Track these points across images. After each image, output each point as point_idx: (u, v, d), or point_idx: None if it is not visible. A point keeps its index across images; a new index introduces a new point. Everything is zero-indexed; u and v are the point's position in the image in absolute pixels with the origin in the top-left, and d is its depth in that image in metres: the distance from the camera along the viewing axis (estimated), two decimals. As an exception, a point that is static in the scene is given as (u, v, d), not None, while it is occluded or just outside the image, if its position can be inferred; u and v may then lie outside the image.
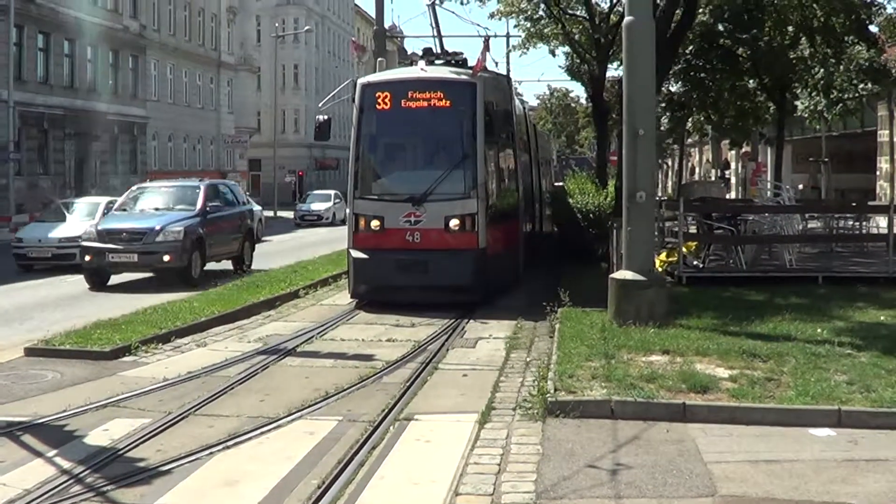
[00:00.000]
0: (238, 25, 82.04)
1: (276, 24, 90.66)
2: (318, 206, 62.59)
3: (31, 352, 15.62)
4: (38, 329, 18.17)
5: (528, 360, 14.61)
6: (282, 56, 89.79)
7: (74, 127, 55.26)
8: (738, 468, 9.15)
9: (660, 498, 8.40)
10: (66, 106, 54.17)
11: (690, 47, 35.96)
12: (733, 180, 66.40)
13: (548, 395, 11.33)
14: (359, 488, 8.88)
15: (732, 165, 68.90)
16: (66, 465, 9.71)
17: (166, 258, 24.78)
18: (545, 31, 35.29)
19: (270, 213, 64.91)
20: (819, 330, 14.98)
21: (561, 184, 41.12)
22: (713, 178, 70.78)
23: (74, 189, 54.93)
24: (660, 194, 73.12)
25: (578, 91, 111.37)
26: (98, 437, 10.80)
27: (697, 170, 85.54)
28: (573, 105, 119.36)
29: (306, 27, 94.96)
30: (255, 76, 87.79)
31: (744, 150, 58.33)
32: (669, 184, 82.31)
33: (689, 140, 70.53)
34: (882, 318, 16.50)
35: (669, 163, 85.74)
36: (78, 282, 25.69)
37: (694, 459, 9.40)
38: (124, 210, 27.33)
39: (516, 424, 10.83)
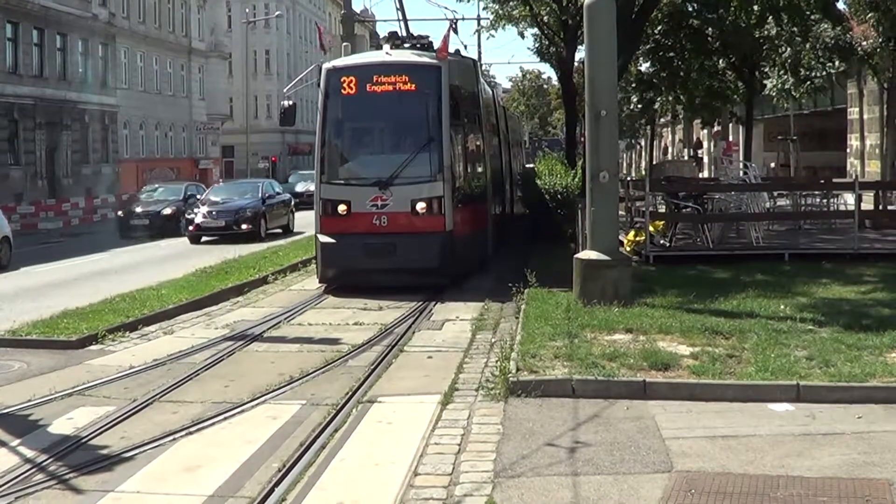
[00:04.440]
0: (208, 11, 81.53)
1: (247, 10, 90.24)
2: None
3: (-3, 342, 15.62)
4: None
5: (493, 340, 14.70)
6: (253, 42, 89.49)
7: (45, 116, 54.90)
8: (696, 444, 9.25)
9: (616, 475, 8.49)
10: (35, 95, 53.82)
11: (659, 27, 36.04)
12: (706, 160, 66.48)
13: (509, 375, 11.41)
14: (319, 470, 8.97)
15: (705, 145, 68.98)
16: (29, 453, 9.76)
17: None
18: (513, 12, 35.20)
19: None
20: (782, 306, 15.12)
21: (532, 166, 41.16)
22: (685, 158, 70.85)
23: (46, 179, 54.71)
24: (633, 174, 73.37)
25: (551, 73, 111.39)
26: (62, 425, 10.86)
27: (670, 149, 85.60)
28: (545, 87, 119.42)
29: (277, 13, 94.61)
30: (226, 62, 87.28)
31: (715, 129, 58.46)
32: (643, 164, 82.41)
33: (662, 120, 70.61)
34: (845, 294, 16.63)
35: (642, 143, 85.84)
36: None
37: (652, 436, 9.50)
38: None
39: (478, 405, 10.91)
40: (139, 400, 11.75)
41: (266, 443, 9.95)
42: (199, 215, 36.14)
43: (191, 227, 36.07)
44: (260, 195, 38.35)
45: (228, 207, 36.94)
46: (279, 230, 38.65)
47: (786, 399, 10.59)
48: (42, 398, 12.01)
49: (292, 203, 41.90)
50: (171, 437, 10.17)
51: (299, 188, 56.04)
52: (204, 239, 35.72)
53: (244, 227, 35.81)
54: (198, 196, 40.68)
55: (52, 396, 12.11)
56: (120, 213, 41.93)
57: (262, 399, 11.71)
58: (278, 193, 41.49)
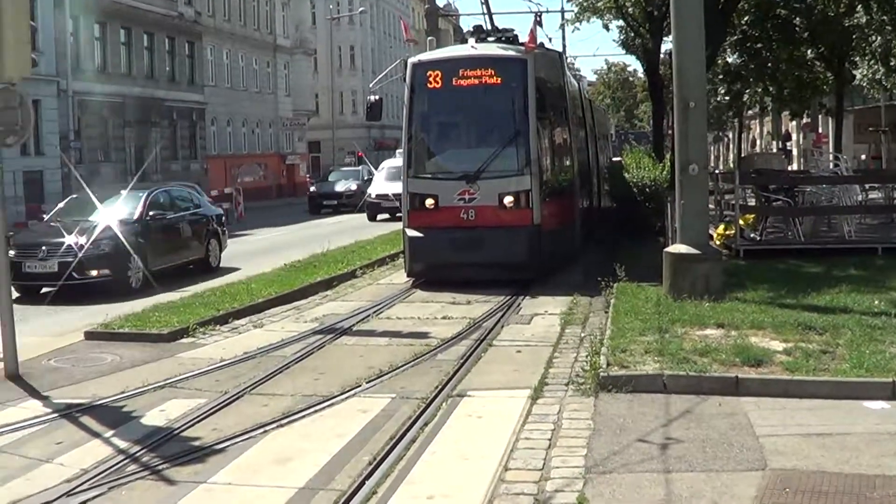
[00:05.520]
0: (293, 8, 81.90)
1: (331, 6, 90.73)
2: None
3: (90, 335, 15.82)
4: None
5: (582, 335, 14.60)
6: (337, 38, 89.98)
7: (134, 114, 55.51)
8: (790, 441, 9.09)
9: (709, 472, 8.38)
10: (124, 93, 54.44)
11: (746, 18, 35.65)
12: (795, 152, 65.73)
13: (600, 369, 11.33)
14: (409, 464, 8.96)
15: (794, 137, 68.22)
16: (122, 445, 9.88)
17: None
18: (598, 4, 34.99)
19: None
20: (876, 302, 14.80)
21: (619, 159, 40.95)
22: (774, 150, 70.08)
23: (135, 176, 55.32)
24: (720, 167, 72.69)
25: (636, 65, 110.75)
26: (155, 417, 10.98)
27: (759, 142, 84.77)
28: (631, 79, 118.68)
29: (361, 9, 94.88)
30: (311, 59, 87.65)
31: (804, 121, 57.77)
32: (731, 156, 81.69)
33: (750, 112, 69.91)
34: (941, 288, 16.29)
35: (730, 135, 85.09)
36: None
37: (745, 433, 9.36)
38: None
39: (568, 400, 10.85)
40: (230, 392, 11.86)
41: (356, 436, 9.96)
42: None
43: None
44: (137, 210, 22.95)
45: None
46: (190, 266, 24.86)
47: (881, 397, 10.39)
48: (135, 390, 12.16)
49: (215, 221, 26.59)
50: (262, 430, 10.22)
51: (339, 187, 52.13)
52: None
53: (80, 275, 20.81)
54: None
55: (145, 389, 12.24)
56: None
57: (352, 392, 11.75)
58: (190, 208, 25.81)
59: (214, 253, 25.97)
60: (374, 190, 45.16)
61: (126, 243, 21.39)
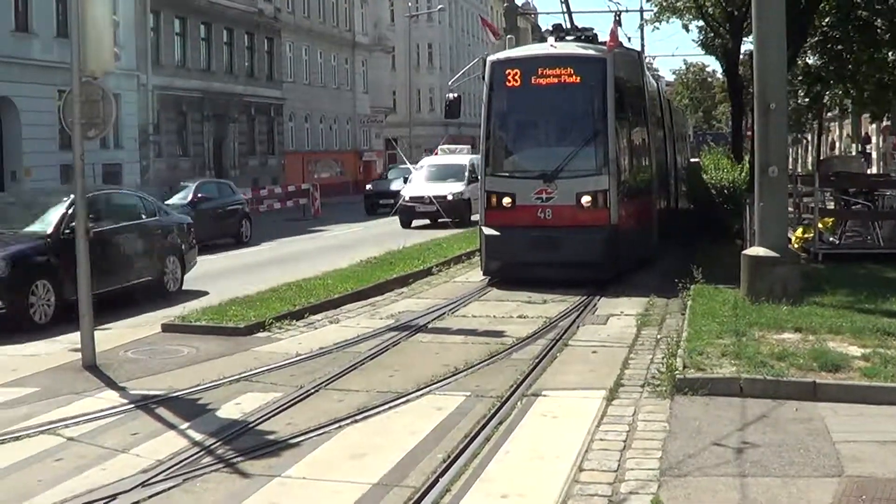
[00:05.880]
0: (371, 6, 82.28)
1: (410, 4, 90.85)
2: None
3: (167, 328, 16.01)
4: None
5: (658, 337, 14.55)
6: (415, 35, 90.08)
7: (212, 109, 56.12)
8: (867, 448, 9.00)
9: (785, 477, 8.32)
10: (203, 89, 55.03)
11: (827, 19, 35.19)
12: (874, 155, 64.91)
13: (676, 372, 11.30)
14: (483, 462, 8.97)
15: (873, 140, 67.39)
16: (197, 437, 10.00)
17: None
18: (678, 4, 34.83)
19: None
20: (957, 308, 14.62)
21: (697, 160, 40.74)
22: (853, 153, 69.29)
23: (214, 170, 55.84)
24: (799, 170, 72.01)
25: (715, 66, 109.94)
26: (230, 410, 11.10)
27: (837, 144, 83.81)
28: (710, 80, 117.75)
29: (439, 6, 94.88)
30: (389, 56, 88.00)
31: (885, 123, 57.03)
32: (809, 159, 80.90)
33: (829, 115, 69.15)
34: None
35: (809, 137, 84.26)
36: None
37: (822, 439, 9.28)
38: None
39: (644, 401, 10.83)
40: (305, 387, 11.93)
41: (431, 433, 10.00)
42: None
43: None
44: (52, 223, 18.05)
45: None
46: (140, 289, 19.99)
47: (962, 404, 10.27)
48: (210, 383, 12.29)
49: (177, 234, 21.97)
50: (336, 425, 10.28)
51: (395, 186, 46.93)
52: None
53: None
54: None
55: (220, 382, 12.36)
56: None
57: (427, 389, 11.78)
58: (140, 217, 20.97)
59: (173, 274, 21.05)
60: (408, 191, 40.01)
61: (28, 265, 17.06)
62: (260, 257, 28.55)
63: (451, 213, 36.53)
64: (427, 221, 38.55)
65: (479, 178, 21.78)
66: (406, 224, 38.52)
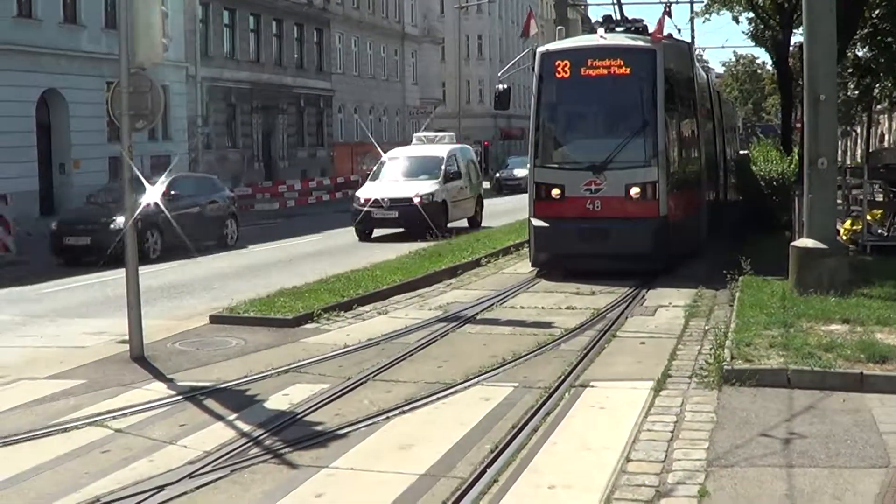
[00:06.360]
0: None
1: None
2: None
3: (216, 319, 16.14)
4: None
5: (706, 328, 14.54)
6: (465, 27, 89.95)
7: (261, 101, 56.36)
8: (915, 440, 8.99)
9: (831, 468, 8.33)
10: (252, 80, 55.29)
11: (877, 11, 34.97)
12: (925, 147, 64.40)
13: (724, 363, 11.30)
14: (531, 453, 9.00)
15: (924, 132, 66.88)
16: (245, 428, 10.06)
17: None
18: (728, -5, 34.75)
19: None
20: None
21: (746, 152, 40.53)
22: (903, 145, 68.76)
23: (263, 161, 56.11)
24: (848, 162, 71.46)
25: (765, 57, 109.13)
26: (278, 401, 11.16)
27: (887, 137, 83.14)
28: (759, 72, 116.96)
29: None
30: (438, 47, 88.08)
31: (934, 116, 56.62)
32: (858, 151, 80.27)
33: (878, 107, 68.58)
34: None
35: (858, 130, 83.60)
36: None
37: (869, 430, 9.28)
38: None
39: (691, 392, 10.84)
40: (353, 378, 11.98)
41: (478, 424, 10.03)
42: None
43: None
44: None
45: None
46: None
47: None
48: (259, 374, 12.36)
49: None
50: (384, 416, 10.33)
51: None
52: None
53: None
54: None
55: (269, 373, 12.45)
56: None
57: (475, 380, 11.82)
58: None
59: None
60: (364, 192, 31.42)
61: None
62: (297, 251, 28.57)
63: (417, 221, 29.36)
64: (391, 231, 31.17)
65: (528, 168, 21.79)
66: (364, 234, 30.96)
